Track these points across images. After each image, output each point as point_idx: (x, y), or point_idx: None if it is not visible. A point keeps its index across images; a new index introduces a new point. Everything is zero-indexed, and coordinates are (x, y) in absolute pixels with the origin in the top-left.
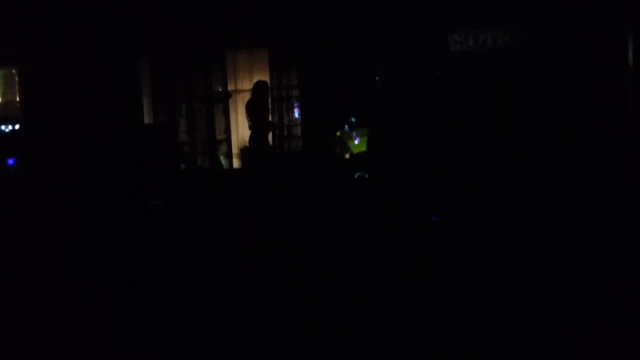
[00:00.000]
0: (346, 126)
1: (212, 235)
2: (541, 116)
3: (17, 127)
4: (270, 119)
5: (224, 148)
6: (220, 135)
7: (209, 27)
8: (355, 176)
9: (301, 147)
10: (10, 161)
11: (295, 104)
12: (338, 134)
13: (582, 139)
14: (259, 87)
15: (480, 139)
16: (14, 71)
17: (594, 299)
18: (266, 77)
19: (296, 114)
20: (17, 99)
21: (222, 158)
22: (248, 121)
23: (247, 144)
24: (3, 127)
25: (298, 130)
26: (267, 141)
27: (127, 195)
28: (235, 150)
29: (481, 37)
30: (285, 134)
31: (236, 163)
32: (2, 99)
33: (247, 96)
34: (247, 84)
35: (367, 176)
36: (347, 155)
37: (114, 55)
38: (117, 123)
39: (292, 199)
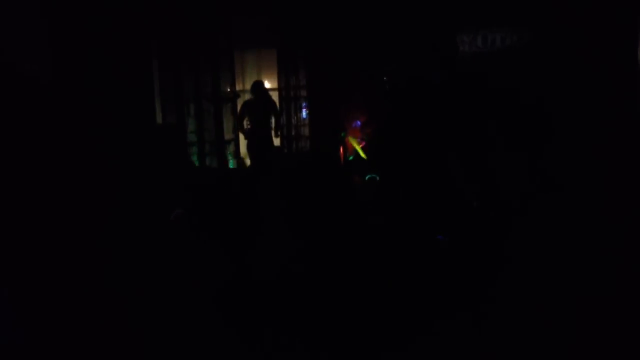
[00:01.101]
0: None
1: (239, 239)
2: (548, 117)
3: None
4: (274, 119)
5: (232, 148)
6: (228, 135)
7: (217, 27)
8: (366, 178)
9: (309, 147)
10: None
11: (304, 104)
12: (342, 135)
13: (590, 139)
14: (258, 87)
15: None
16: None
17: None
18: (274, 77)
19: (304, 114)
20: None
21: (230, 158)
22: (247, 123)
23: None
24: None
25: (306, 131)
26: (272, 142)
27: (147, 204)
28: (243, 150)
29: (490, 37)
30: (293, 133)
31: (244, 163)
32: None
33: None
34: None
35: (378, 178)
36: (351, 157)
37: (126, 57)
38: (131, 125)
39: (301, 198)
